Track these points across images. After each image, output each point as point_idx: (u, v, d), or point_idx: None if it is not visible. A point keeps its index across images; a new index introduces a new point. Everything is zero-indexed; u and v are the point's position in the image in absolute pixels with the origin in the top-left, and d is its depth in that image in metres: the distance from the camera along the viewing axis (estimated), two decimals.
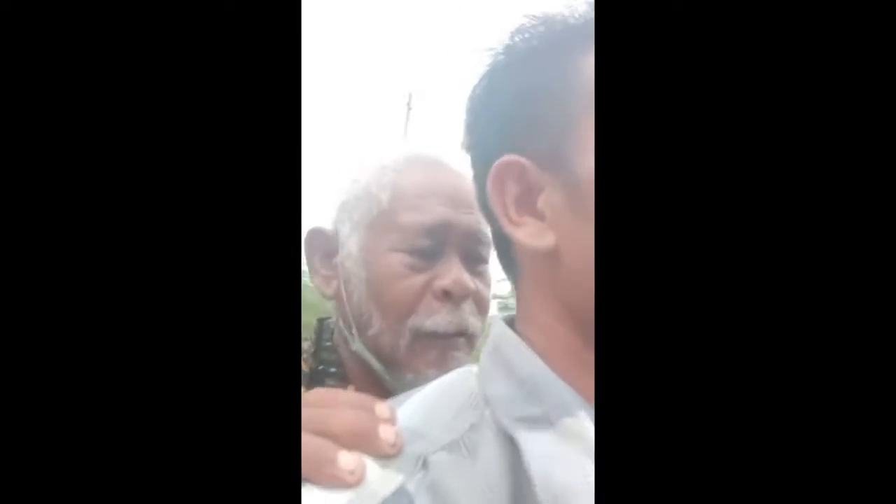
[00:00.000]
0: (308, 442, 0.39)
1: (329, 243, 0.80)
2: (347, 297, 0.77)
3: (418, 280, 0.73)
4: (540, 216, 0.43)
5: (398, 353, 0.73)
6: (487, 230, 0.73)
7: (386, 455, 0.40)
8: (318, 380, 0.81)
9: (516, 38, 0.46)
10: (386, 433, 0.40)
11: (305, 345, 0.83)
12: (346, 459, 0.38)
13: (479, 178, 0.47)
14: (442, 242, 0.74)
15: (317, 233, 0.81)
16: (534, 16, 0.45)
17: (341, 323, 0.79)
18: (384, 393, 0.74)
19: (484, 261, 0.77)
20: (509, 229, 0.44)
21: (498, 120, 0.46)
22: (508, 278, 0.49)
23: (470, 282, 0.73)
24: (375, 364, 0.76)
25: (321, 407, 0.42)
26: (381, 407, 0.42)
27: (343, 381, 0.81)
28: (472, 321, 0.74)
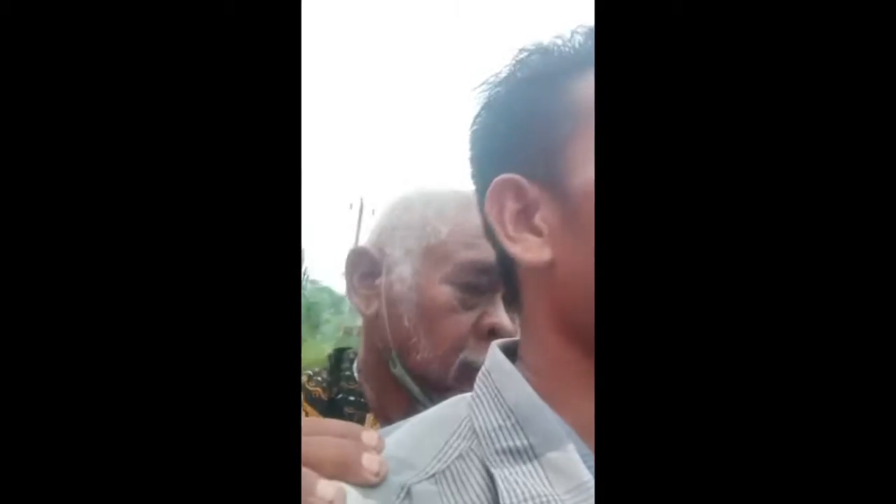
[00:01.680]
0: None
1: (372, 264, 0.82)
2: (394, 320, 0.78)
3: (469, 316, 0.76)
4: (537, 232, 0.43)
5: (445, 382, 0.75)
6: None
7: (369, 484, 0.39)
8: (338, 408, 0.81)
9: (512, 70, 0.47)
10: (370, 462, 0.39)
11: (323, 374, 0.83)
12: (325, 488, 0.37)
13: (483, 207, 0.48)
14: (492, 283, 0.76)
15: (360, 253, 0.83)
16: (527, 47, 0.47)
17: (380, 346, 0.80)
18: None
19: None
20: (507, 245, 0.44)
21: (498, 149, 0.47)
22: (511, 296, 0.49)
23: (511, 323, 0.75)
24: (414, 388, 0.77)
25: (307, 434, 0.41)
26: (368, 435, 0.41)
27: (362, 409, 0.80)
28: None
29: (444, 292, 0.76)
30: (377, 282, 0.81)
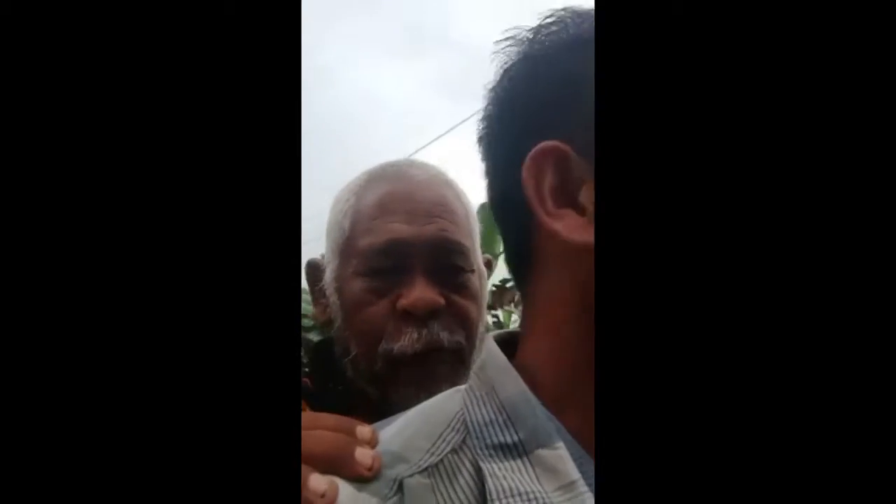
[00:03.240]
0: None
1: (320, 272, 0.82)
2: (333, 323, 0.78)
3: (383, 304, 0.73)
4: (580, 210, 0.39)
5: (376, 378, 0.73)
6: (456, 236, 0.74)
7: (362, 479, 0.39)
8: (325, 399, 0.80)
9: (551, 28, 0.43)
10: (362, 456, 0.39)
11: (307, 368, 0.83)
12: (317, 482, 0.38)
13: (501, 170, 0.44)
14: (402, 260, 0.73)
15: (311, 263, 0.84)
16: (564, 8, 0.43)
17: (337, 349, 0.80)
18: (382, 413, 0.74)
19: (459, 269, 0.75)
20: (547, 222, 0.39)
21: (532, 107, 0.42)
22: (516, 279, 0.46)
23: (433, 297, 0.72)
24: (367, 388, 0.76)
25: (302, 428, 0.41)
26: (363, 429, 0.41)
27: (349, 400, 0.80)
28: (446, 336, 0.72)
29: (357, 286, 0.74)
30: (320, 287, 0.81)
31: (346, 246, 0.76)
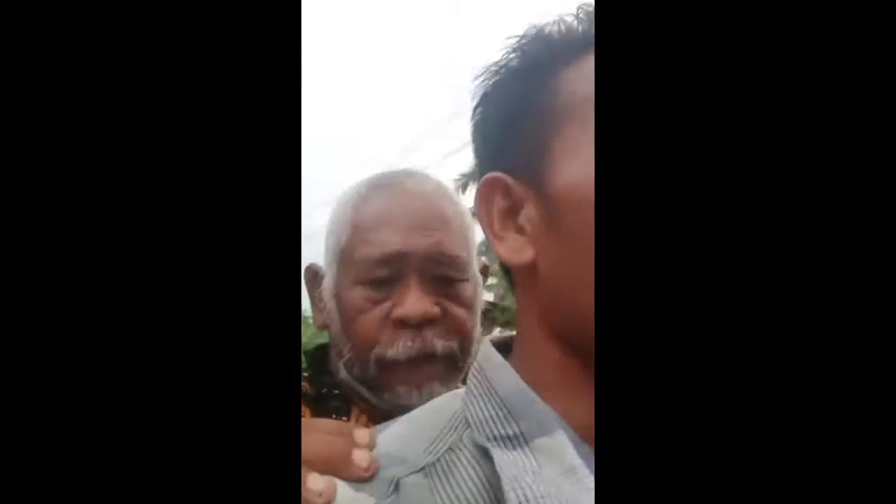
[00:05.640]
0: None
1: (319, 278, 0.84)
2: (330, 328, 0.81)
3: (379, 311, 0.76)
4: (521, 231, 0.44)
5: (369, 381, 0.77)
6: (451, 249, 0.77)
7: (360, 479, 0.40)
8: (323, 402, 0.81)
9: (508, 58, 0.47)
10: (360, 458, 0.40)
11: (306, 373, 0.84)
12: (316, 481, 0.39)
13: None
14: (398, 271, 0.76)
15: (310, 268, 0.86)
16: (527, 33, 0.46)
17: (333, 352, 0.83)
18: (383, 414, 0.77)
19: (453, 280, 0.78)
20: (493, 244, 0.44)
21: (490, 143, 0.47)
22: (511, 287, 0.50)
23: (428, 306, 0.75)
24: (360, 389, 0.79)
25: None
26: (360, 433, 0.42)
27: (346, 402, 0.81)
28: (440, 343, 0.75)
29: (355, 294, 0.77)
30: (318, 293, 0.83)
31: (345, 255, 0.79)
